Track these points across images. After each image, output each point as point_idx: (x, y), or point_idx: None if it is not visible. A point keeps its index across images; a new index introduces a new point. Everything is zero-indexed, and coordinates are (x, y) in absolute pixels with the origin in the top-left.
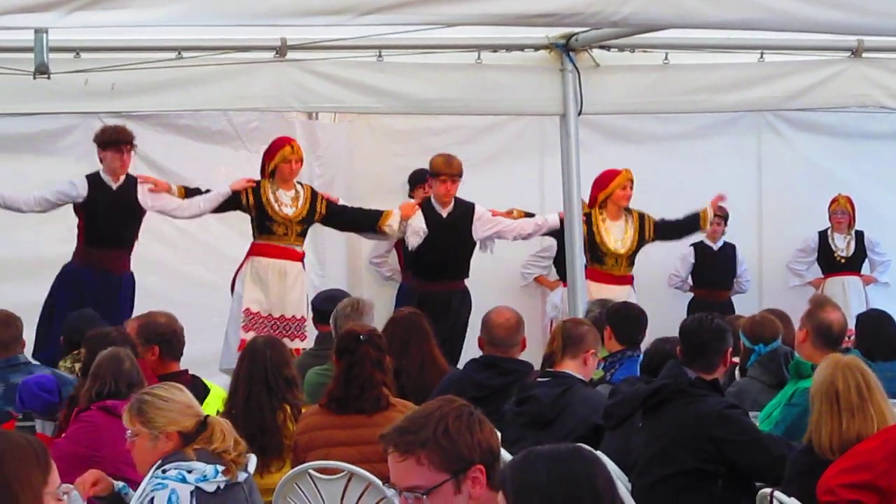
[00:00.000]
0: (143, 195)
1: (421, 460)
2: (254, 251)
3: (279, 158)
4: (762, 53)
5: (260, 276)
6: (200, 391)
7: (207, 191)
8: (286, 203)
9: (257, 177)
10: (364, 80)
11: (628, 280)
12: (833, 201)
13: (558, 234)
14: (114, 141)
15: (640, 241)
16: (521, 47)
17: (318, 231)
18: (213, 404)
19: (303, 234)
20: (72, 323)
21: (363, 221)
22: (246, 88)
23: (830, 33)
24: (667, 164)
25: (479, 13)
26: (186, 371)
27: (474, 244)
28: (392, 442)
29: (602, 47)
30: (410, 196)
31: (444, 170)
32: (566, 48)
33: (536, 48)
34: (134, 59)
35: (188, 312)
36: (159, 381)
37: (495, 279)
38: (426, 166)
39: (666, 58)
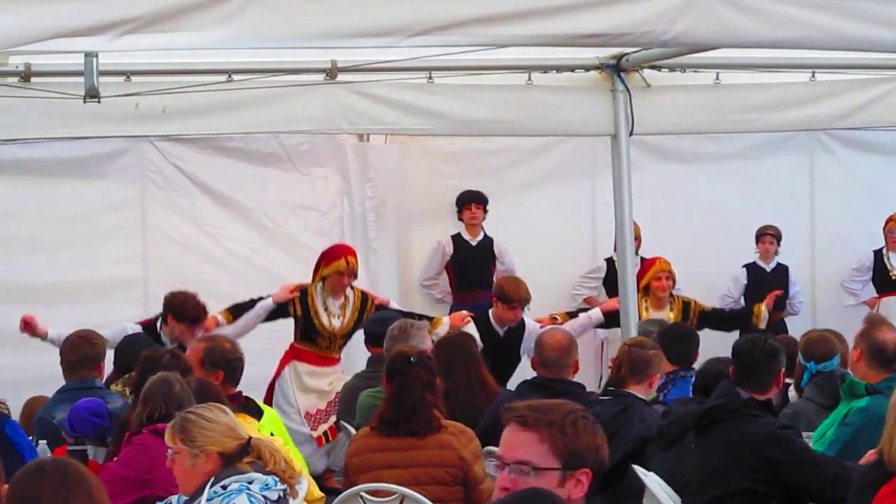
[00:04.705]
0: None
1: (542, 439)
2: (294, 355)
3: (332, 269)
4: (813, 72)
5: (305, 384)
6: (254, 412)
7: (251, 301)
8: (334, 313)
9: (307, 198)
10: (415, 102)
11: None
12: (889, 220)
13: (607, 325)
14: (192, 317)
15: None
16: (572, 68)
17: (370, 253)
18: (268, 426)
19: (344, 345)
20: (123, 347)
21: None
22: (296, 111)
23: (881, 52)
24: (719, 184)
25: (529, 34)
26: (241, 392)
27: (519, 360)
28: (519, 413)
29: (653, 67)
30: (459, 219)
31: (515, 296)
32: (617, 68)
33: (587, 68)
34: (184, 82)
35: None
36: None
37: (545, 301)
38: (477, 188)
39: (717, 77)
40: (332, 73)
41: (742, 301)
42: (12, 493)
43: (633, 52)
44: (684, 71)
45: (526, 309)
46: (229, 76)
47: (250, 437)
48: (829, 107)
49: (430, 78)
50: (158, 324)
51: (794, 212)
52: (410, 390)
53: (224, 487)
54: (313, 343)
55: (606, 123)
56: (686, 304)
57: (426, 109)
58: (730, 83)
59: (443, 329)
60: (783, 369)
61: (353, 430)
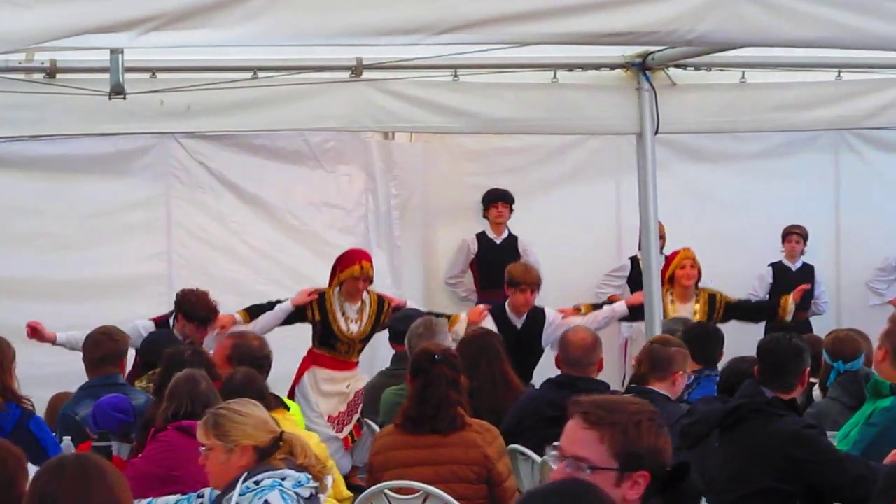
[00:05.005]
0: (209, 341)
1: (603, 438)
2: (313, 361)
3: (347, 275)
4: (839, 72)
5: (322, 389)
6: (282, 408)
7: (269, 304)
8: (352, 318)
9: (333, 198)
10: (440, 100)
11: None
12: None
13: (631, 319)
14: (198, 319)
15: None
16: (597, 66)
17: (394, 251)
18: (294, 423)
19: (362, 349)
20: (148, 343)
21: None
22: (321, 108)
23: None
24: (744, 183)
25: (555, 32)
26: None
27: (542, 351)
28: (583, 409)
29: (678, 66)
30: (484, 216)
31: (524, 279)
32: (642, 67)
33: (612, 67)
34: (209, 79)
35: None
36: None
37: (569, 299)
38: (502, 186)
39: (743, 76)
40: (357, 70)
41: (768, 299)
42: (34, 488)
43: (659, 51)
44: (710, 70)
45: (538, 293)
46: (254, 73)
47: (283, 431)
48: (855, 106)
49: (456, 76)
50: (171, 321)
51: (819, 211)
52: (435, 388)
53: (256, 483)
54: (332, 349)
55: (631, 122)
56: (712, 297)
57: (451, 107)
58: (755, 82)
59: (461, 326)
60: (808, 369)
61: (376, 428)
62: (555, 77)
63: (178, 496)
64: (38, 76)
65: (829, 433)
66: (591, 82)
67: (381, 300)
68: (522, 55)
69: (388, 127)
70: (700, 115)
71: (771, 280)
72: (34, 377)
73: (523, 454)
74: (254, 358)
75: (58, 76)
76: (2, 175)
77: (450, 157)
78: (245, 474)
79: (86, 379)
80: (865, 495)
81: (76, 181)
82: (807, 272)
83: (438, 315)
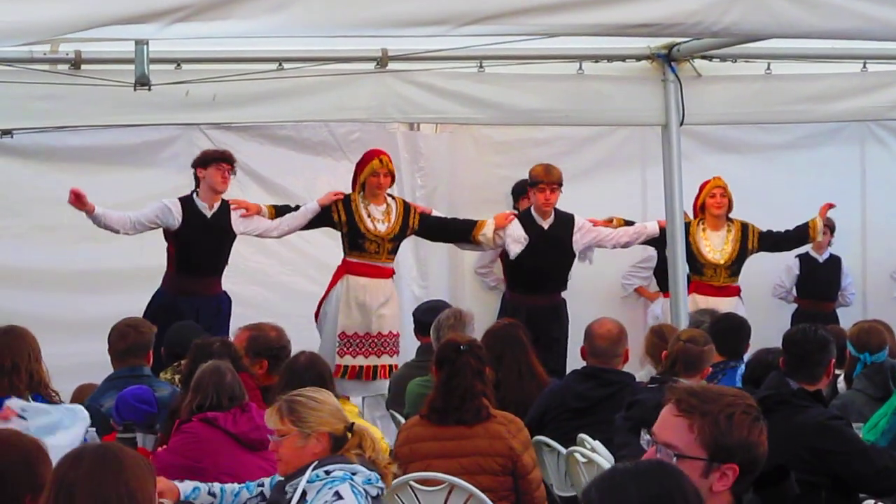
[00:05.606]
0: (236, 221)
1: (692, 427)
2: (347, 269)
3: (368, 171)
4: (865, 63)
5: (355, 296)
6: None
7: (296, 207)
8: (378, 218)
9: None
10: (465, 91)
11: (733, 291)
12: None
13: (658, 244)
14: (216, 158)
15: (742, 252)
16: (623, 58)
17: (419, 242)
18: (354, 414)
19: (394, 252)
20: (174, 334)
21: (457, 232)
22: (347, 99)
23: None
24: (769, 175)
25: (580, 23)
26: None
27: (574, 256)
28: (678, 396)
29: (704, 57)
30: (515, 208)
31: (544, 178)
32: (668, 58)
33: (638, 58)
34: (235, 70)
35: (289, 323)
36: (261, 393)
37: (595, 290)
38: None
39: (768, 67)
40: (382, 61)
41: (794, 291)
42: (54, 476)
43: (685, 42)
44: (735, 61)
45: (559, 192)
46: (280, 64)
47: (353, 422)
48: (881, 97)
49: (481, 67)
50: (194, 195)
51: (845, 203)
52: (460, 378)
53: (327, 472)
54: (363, 250)
55: (657, 113)
56: (745, 226)
57: (477, 98)
58: (781, 73)
59: (488, 229)
60: (834, 360)
61: (402, 419)
62: (580, 68)
63: (239, 485)
64: (63, 67)
65: (854, 425)
66: (616, 73)
67: (406, 204)
68: (548, 46)
69: (414, 118)
70: (725, 106)
71: (798, 271)
72: (58, 368)
73: (548, 445)
74: (271, 349)
75: (82, 67)
76: (25, 166)
77: (475, 148)
78: (316, 462)
79: (111, 370)
80: (891, 486)
81: (100, 172)
82: (834, 264)
83: (464, 221)
